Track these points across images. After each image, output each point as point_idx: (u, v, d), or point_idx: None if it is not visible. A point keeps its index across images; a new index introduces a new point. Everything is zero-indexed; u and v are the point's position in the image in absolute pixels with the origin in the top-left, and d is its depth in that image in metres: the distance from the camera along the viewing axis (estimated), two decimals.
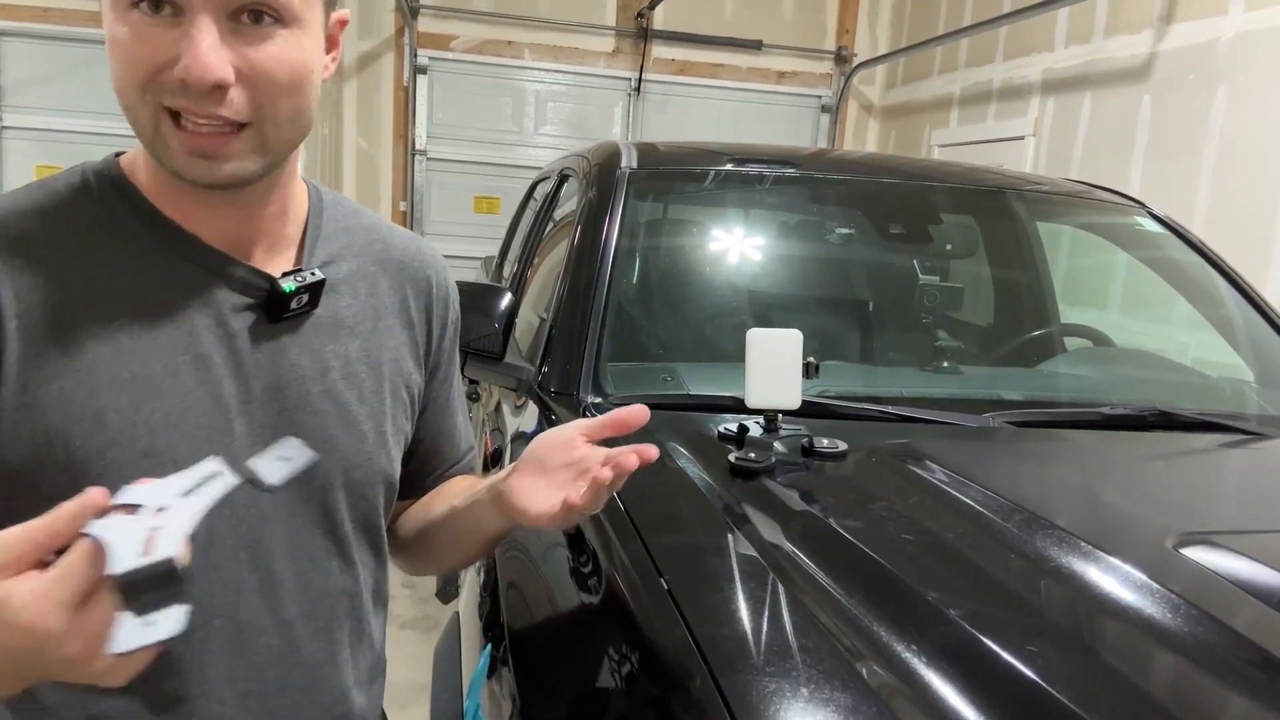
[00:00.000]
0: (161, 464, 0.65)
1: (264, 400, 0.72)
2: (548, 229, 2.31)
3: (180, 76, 0.62)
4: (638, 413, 0.81)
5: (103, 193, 0.71)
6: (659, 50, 5.46)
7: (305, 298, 0.74)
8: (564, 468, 0.79)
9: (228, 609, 0.71)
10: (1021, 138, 4.07)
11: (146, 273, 0.69)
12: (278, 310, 0.73)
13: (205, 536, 0.67)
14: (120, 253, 0.69)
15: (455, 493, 0.92)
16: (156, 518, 0.53)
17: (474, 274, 4.18)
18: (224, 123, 0.65)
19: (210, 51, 0.62)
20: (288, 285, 0.73)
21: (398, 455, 0.83)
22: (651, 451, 0.77)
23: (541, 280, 2.07)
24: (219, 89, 0.63)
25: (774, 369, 1.16)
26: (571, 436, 0.81)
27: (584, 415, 1.34)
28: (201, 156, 0.65)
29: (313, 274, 0.75)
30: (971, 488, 1.09)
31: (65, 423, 0.64)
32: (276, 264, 0.75)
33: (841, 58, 5.63)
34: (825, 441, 1.19)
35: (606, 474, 0.74)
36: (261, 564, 0.72)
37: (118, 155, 0.74)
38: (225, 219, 0.72)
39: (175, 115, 0.64)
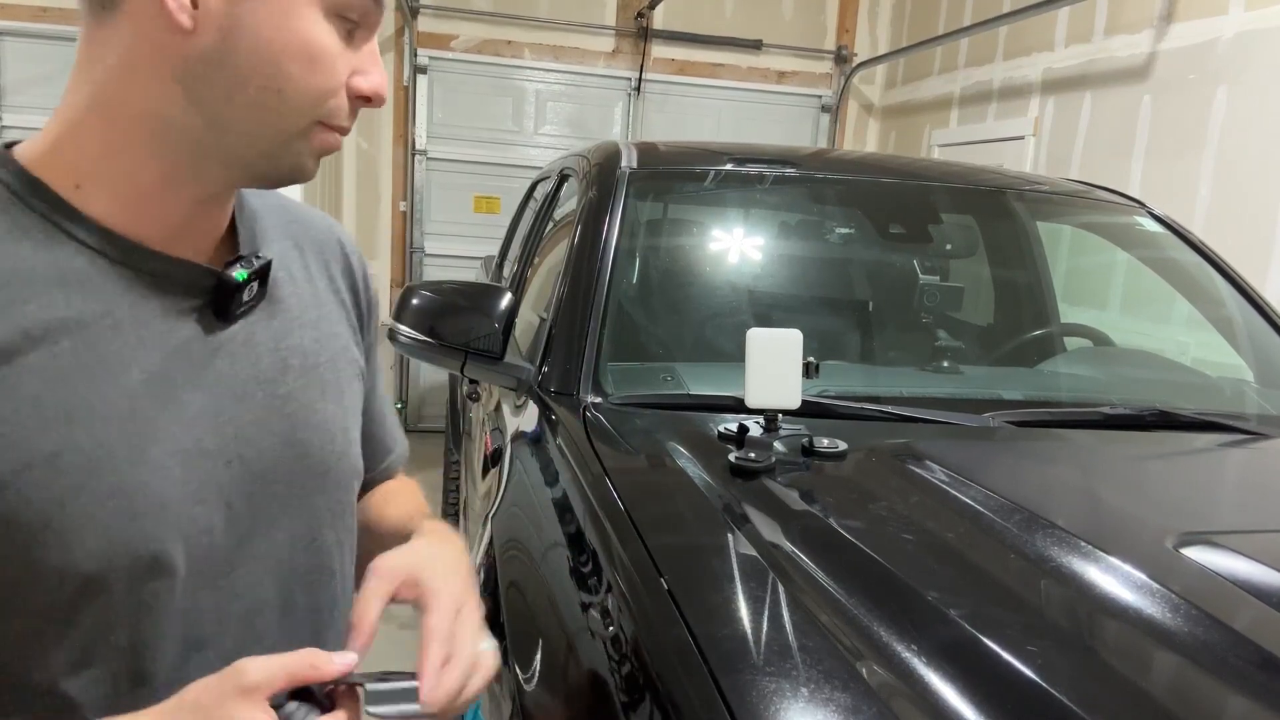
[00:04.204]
0: (133, 501, 0.58)
1: (232, 412, 0.65)
2: (548, 229, 2.31)
3: (372, 91, 0.62)
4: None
5: (3, 196, 0.59)
6: (659, 50, 5.46)
7: (254, 287, 0.67)
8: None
9: (212, 640, 0.65)
10: (1021, 138, 4.07)
11: (76, 284, 0.58)
12: (229, 306, 0.65)
13: (186, 565, 0.61)
14: (41, 262, 0.58)
15: (389, 527, 0.85)
16: None
17: (474, 274, 4.19)
18: None
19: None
20: (239, 274, 0.65)
21: (359, 447, 0.78)
22: None
23: (541, 280, 2.07)
24: None
25: (774, 369, 1.17)
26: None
27: (584, 415, 1.34)
28: (320, 157, 0.64)
29: (258, 257, 0.67)
30: (971, 488, 1.09)
31: (14, 472, 0.55)
32: (212, 256, 0.67)
33: (841, 57, 5.63)
34: (825, 441, 1.20)
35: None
36: (244, 590, 0.66)
37: (8, 146, 0.62)
38: (183, 213, 0.63)
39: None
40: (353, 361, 0.78)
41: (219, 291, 0.64)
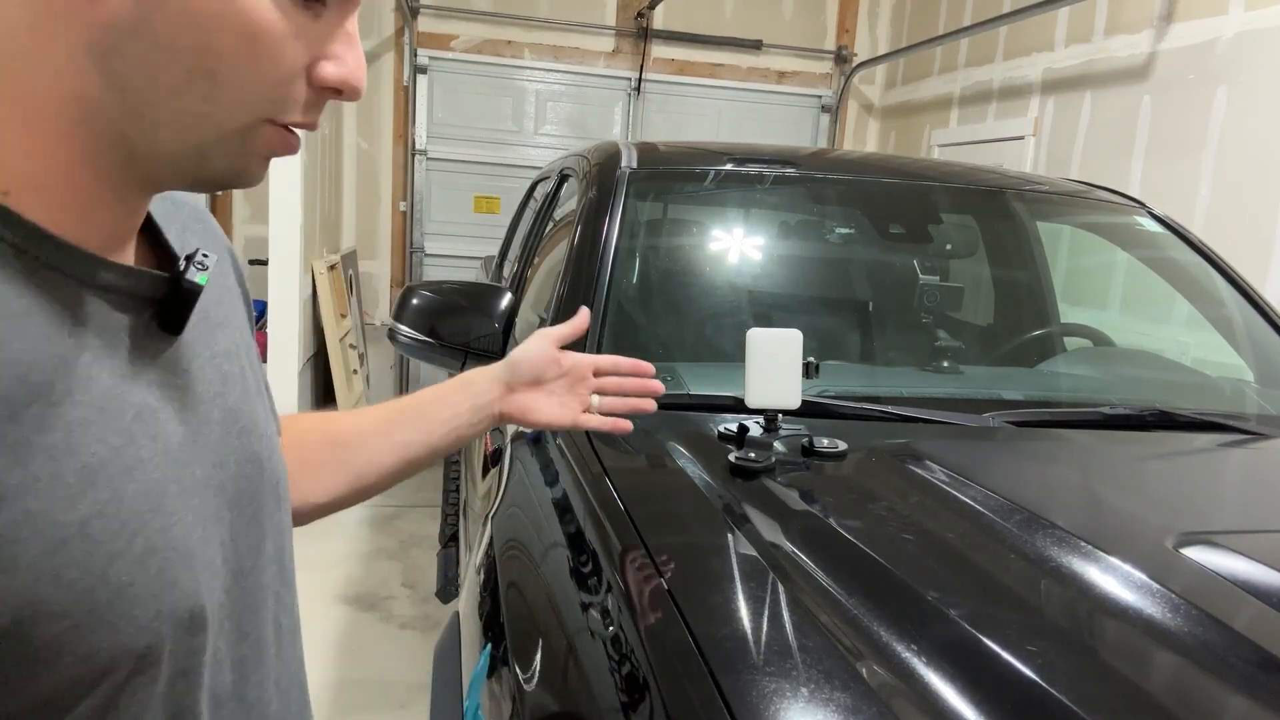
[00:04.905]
0: (166, 557, 0.51)
1: (203, 437, 0.58)
2: (548, 229, 2.32)
3: (341, 81, 0.51)
4: (646, 367, 1.05)
5: None
6: (659, 50, 5.46)
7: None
8: (558, 380, 1.01)
9: (233, 689, 0.60)
10: (1021, 138, 4.07)
11: (43, 311, 0.48)
12: (182, 317, 0.55)
13: (210, 614, 0.56)
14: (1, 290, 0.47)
15: (373, 433, 0.91)
16: None
17: (474, 274, 4.19)
18: None
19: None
20: (201, 277, 0.55)
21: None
22: (656, 388, 1.05)
23: (541, 280, 2.07)
24: None
25: (774, 369, 1.17)
26: (551, 352, 1.00)
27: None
28: (270, 159, 0.53)
29: (206, 256, 0.57)
30: (971, 487, 1.09)
31: (47, 554, 0.45)
32: (138, 258, 0.58)
33: (841, 58, 5.64)
34: (825, 441, 1.20)
35: (626, 425, 1.03)
36: (249, 628, 0.62)
37: None
38: (120, 214, 0.53)
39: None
40: (255, 352, 0.72)
41: (172, 301, 0.55)
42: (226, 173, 0.52)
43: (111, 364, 0.51)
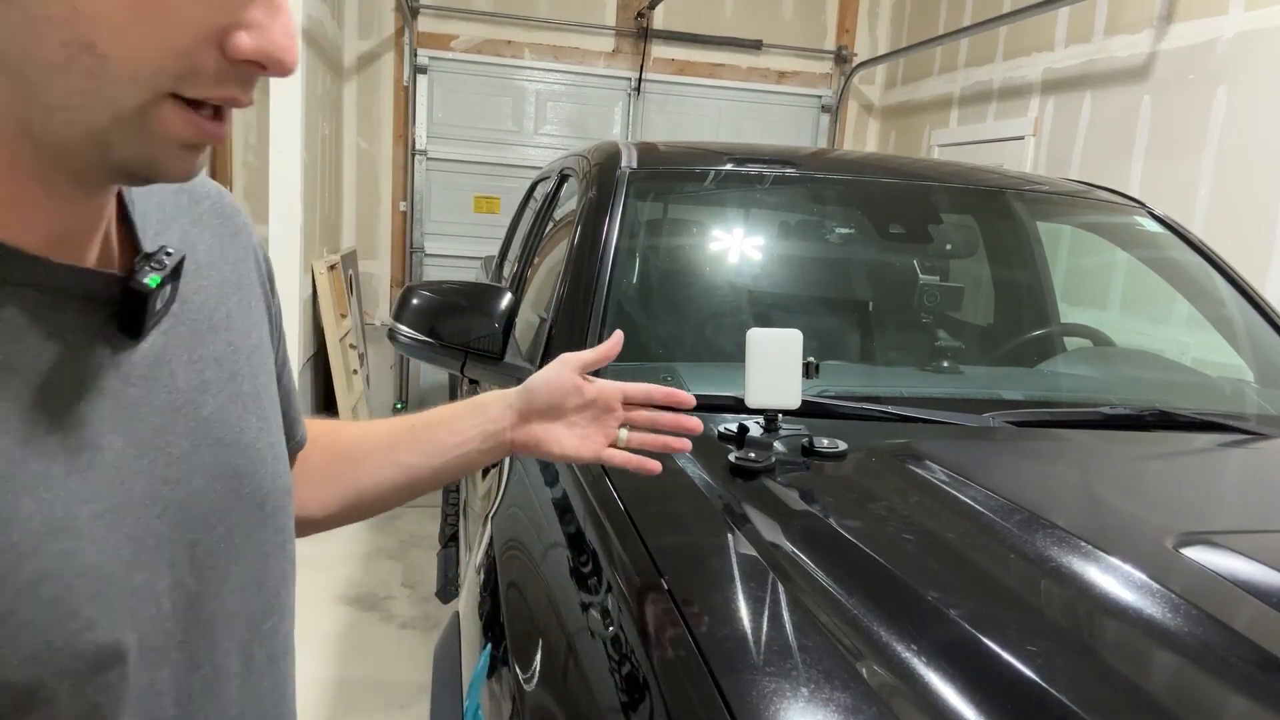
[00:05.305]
0: (67, 584, 0.46)
1: (155, 451, 0.53)
2: (548, 229, 2.32)
3: (259, 53, 0.45)
4: (684, 398, 0.91)
5: None
6: (659, 50, 5.46)
7: (168, 290, 0.54)
8: (579, 410, 0.88)
9: None
10: (1021, 138, 4.07)
11: None
12: (140, 320, 0.52)
13: (137, 646, 0.51)
14: None
15: (377, 450, 0.85)
16: None
17: (474, 274, 4.19)
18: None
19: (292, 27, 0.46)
20: (151, 279, 0.51)
21: (287, 461, 0.68)
22: (693, 426, 0.91)
23: (541, 280, 2.07)
24: None
25: (774, 369, 1.17)
26: (571, 380, 0.88)
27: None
28: (196, 148, 0.48)
29: (168, 254, 0.53)
30: (971, 487, 1.09)
31: None
32: (105, 255, 0.53)
33: (841, 58, 5.63)
34: (825, 441, 1.20)
35: (654, 465, 0.89)
36: (203, 658, 0.57)
37: None
38: (59, 211, 0.48)
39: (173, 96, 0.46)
40: (266, 357, 0.68)
41: (126, 303, 0.51)
42: (135, 162, 0.47)
43: (35, 369, 0.47)
